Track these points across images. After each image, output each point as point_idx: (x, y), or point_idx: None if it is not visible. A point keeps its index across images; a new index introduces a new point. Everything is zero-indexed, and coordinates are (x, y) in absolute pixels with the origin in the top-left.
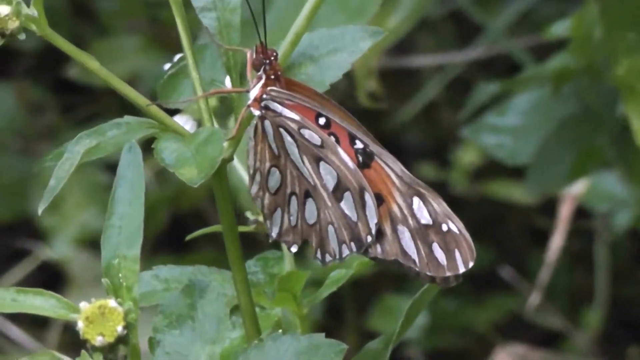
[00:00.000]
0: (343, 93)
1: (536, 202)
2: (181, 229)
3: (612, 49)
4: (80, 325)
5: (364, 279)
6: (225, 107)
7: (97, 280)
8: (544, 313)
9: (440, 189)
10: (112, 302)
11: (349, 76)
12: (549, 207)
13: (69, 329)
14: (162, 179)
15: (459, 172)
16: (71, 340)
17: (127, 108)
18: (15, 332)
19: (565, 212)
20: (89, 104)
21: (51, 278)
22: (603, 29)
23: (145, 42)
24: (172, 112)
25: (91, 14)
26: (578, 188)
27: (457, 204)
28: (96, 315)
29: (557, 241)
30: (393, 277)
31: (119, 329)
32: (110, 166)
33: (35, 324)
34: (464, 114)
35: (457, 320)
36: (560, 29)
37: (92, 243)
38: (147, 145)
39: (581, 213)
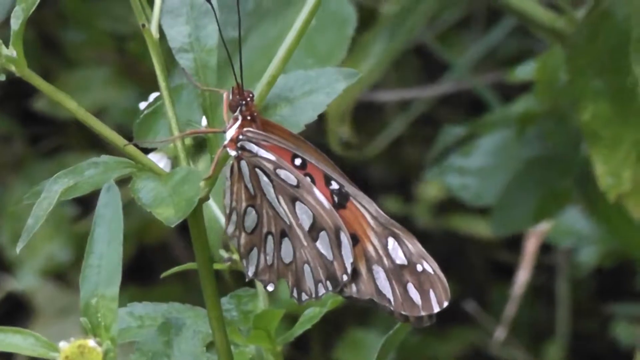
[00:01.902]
0: (313, 132)
1: (499, 237)
2: (147, 260)
3: (577, 95)
4: None
5: (330, 312)
6: (197, 146)
7: (62, 311)
8: (506, 346)
9: (404, 223)
10: (91, 342)
11: (320, 120)
12: (512, 241)
13: None
14: (129, 210)
15: (423, 206)
16: None
17: (93, 140)
18: None
19: (530, 247)
20: (56, 136)
21: (16, 309)
22: (569, 75)
23: (113, 74)
24: (147, 149)
25: (59, 46)
26: (543, 224)
27: (421, 238)
28: (76, 355)
29: (522, 276)
30: (358, 311)
31: None
32: (77, 199)
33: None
34: (430, 156)
35: (422, 353)
36: (524, 71)
37: (57, 275)
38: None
39: (544, 247)
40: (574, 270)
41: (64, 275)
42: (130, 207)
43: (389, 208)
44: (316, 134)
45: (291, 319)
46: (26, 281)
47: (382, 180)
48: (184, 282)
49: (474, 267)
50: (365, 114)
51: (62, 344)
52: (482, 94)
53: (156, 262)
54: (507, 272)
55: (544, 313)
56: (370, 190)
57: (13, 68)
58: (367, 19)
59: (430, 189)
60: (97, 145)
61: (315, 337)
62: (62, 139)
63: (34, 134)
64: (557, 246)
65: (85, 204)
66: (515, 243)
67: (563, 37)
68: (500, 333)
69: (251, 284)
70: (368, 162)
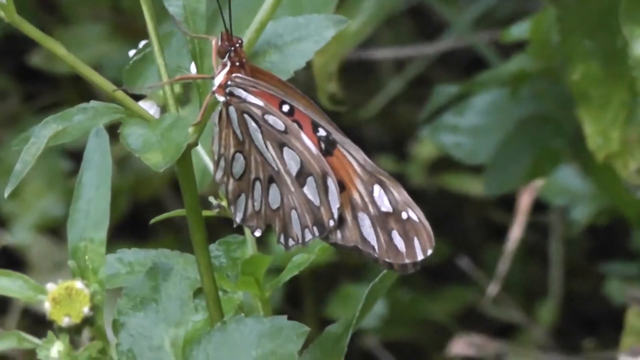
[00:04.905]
0: (305, 84)
1: (493, 196)
2: (141, 217)
3: (568, 55)
4: (47, 306)
5: (322, 268)
6: (187, 94)
7: (56, 266)
8: (500, 305)
9: (399, 181)
10: (78, 284)
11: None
12: (506, 200)
13: (28, 314)
14: (123, 167)
15: (417, 165)
16: (30, 325)
17: (89, 96)
18: None
19: (524, 203)
20: (51, 92)
21: (10, 264)
22: (560, 34)
23: (108, 31)
24: (137, 98)
25: (54, 3)
26: (537, 181)
27: (415, 197)
28: (63, 297)
29: (515, 232)
30: (351, 266)
31: (85, 310)
32: (71, 153)
33: None
34: (424, 115)
35: (415, 311)
36: (518, 31)
37: (52, 230)
38: (111, 132)
39: (537, 206)
40: (567, 229)
41: (58, 230)
42: (124, 163)
43: (382, 167)
44: (308, 89)
45: (280, 270)
46: (20, 236)
47: (376, 140)
48: (178, 237)
49: (468, 226)
50: (360, 73)
51: (50, 286)
52: (481, 51)
53: (150, 218)
54: (501, 232)
55: (537, 272)
56: (365, 149)
57: (2, 14)
58: None
59: (425, 148)
60: (93, 100)
61: (308, 293)
62: (57, 95)
63: (29, 90)
64: (550, 205)
65: (79, 158)
66: (509, 203)
67: None
68: (492, 289)
69: (240, 231)
70: (362, 122)
